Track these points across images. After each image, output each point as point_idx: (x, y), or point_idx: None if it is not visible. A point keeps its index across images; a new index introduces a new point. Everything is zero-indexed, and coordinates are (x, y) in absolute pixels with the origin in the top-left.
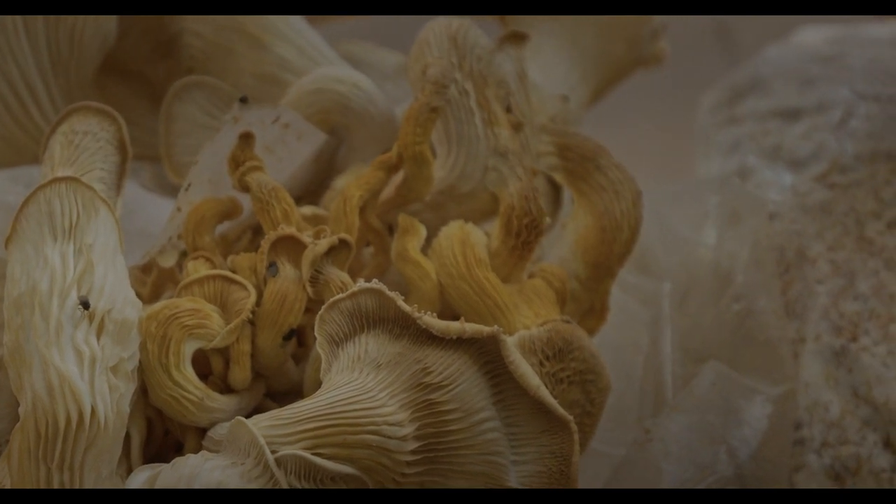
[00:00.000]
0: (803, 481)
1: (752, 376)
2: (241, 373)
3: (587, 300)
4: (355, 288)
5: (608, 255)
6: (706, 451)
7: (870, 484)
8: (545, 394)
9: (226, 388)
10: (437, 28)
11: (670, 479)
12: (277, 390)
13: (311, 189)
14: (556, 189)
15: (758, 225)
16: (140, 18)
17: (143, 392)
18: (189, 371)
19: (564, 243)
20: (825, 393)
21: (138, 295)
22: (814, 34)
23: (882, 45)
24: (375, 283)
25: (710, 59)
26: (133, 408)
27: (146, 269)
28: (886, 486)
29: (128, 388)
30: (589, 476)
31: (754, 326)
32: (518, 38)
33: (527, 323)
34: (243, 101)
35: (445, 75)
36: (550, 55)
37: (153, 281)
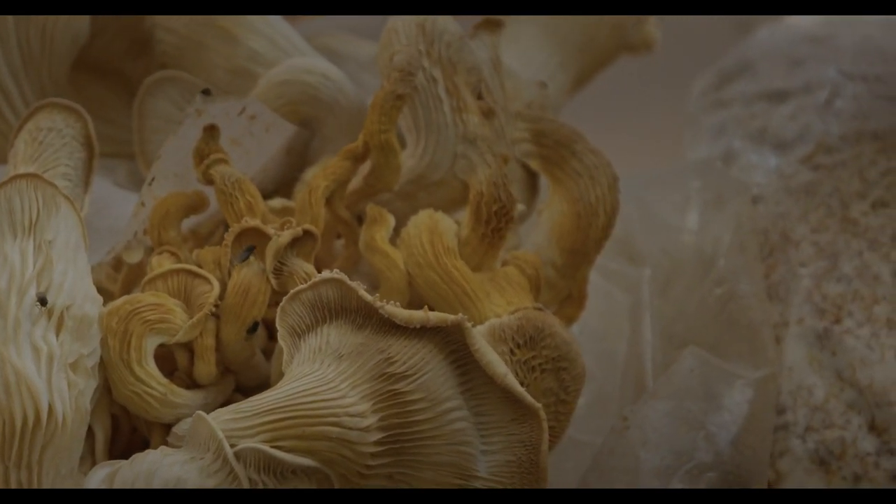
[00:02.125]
0: (787, 467)
1: (734, 361)
2: (205, 367)
3: (565, 287)
4: (316, 278)
5: (584, 242)
6: (684, 438)
7: (855, 468)
8: (512, 381)
9: (192, 384)
10: (406, 16)
11: (648, 466)
12: (248, 385)
13: (286, 181)
14: (532, 176)
15: (740, 208)
16: (116, 17)
17: (107, 389)
18: (151, 366)
19: (540, 230)
20: (809, 377)
21: (109, 292)
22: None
23: (872, 24)
24: (336, 273)
25: (728, 42)
26: (97, 405)
27: (117, 265)
28: (871, 470)
29: (88, 385)
30: (570, 466)
31: (736, 310)
32: (493, 25)
33: (498, 311)
34: (206, 93)
35: (411, 63)
36: (529, 42)
37: (124, 277)
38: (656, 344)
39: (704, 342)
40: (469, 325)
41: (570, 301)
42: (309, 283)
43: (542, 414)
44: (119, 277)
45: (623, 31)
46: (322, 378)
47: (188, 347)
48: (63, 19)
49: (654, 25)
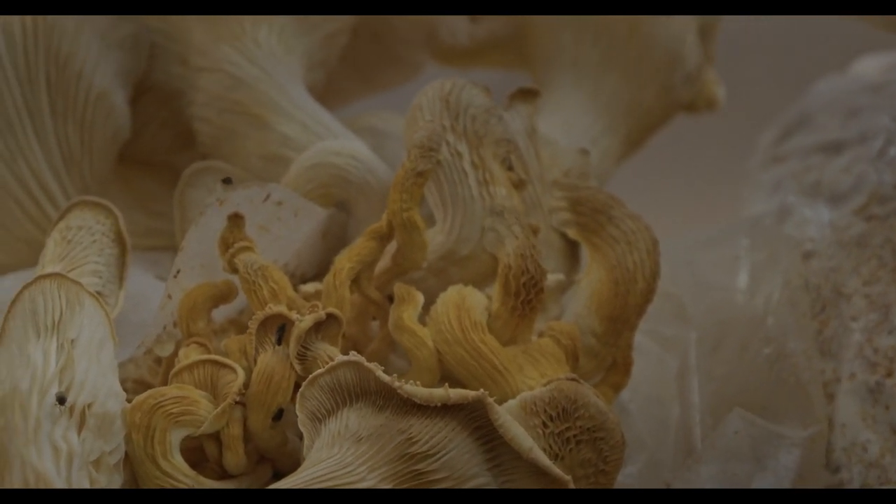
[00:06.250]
0: None
1: (783, 421)
2: (233, 457)
3: (607, 355)
4: (333, 362)
5: (623, 309)
6: None
7: None
8: (539, 455)
9: (224, 474)
10: (430, 92)
11: None
12: (286, 472)
13: (325, 265)
14: (571, 245)
15: (789, 265)
16: (158, 110)
17: (135, 484)
18: (177, 459)
19: (579, 299)
20: (863, 433)
21: (153, 386)
22: (870, 63)
23: None
24: (354, 356)
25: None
26: None
27: (160, 359)
28: None
29: (111, 481)
30: None
31: (784, 369)
32: (528, 95)
33: (531, 384)
34: (227, 181)
35: (432, 138)
36: (573, 108)
37: (163, 370)
38: (707, 407)
39: (754, 403)
40: (491, 400)
41: (615, 369)
42: (326, 367)
43: (572, 486)
44: (160, 371)
45: (670, 91)
46: (340, 462)
47: (217, 438)
48: (101, 116)
49: (715, 83)
